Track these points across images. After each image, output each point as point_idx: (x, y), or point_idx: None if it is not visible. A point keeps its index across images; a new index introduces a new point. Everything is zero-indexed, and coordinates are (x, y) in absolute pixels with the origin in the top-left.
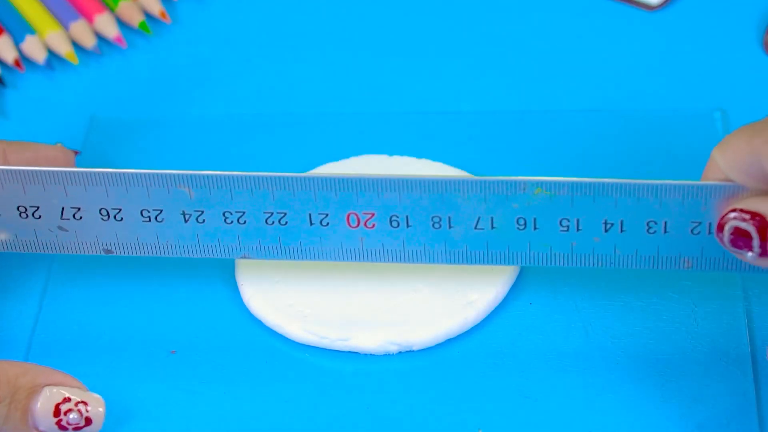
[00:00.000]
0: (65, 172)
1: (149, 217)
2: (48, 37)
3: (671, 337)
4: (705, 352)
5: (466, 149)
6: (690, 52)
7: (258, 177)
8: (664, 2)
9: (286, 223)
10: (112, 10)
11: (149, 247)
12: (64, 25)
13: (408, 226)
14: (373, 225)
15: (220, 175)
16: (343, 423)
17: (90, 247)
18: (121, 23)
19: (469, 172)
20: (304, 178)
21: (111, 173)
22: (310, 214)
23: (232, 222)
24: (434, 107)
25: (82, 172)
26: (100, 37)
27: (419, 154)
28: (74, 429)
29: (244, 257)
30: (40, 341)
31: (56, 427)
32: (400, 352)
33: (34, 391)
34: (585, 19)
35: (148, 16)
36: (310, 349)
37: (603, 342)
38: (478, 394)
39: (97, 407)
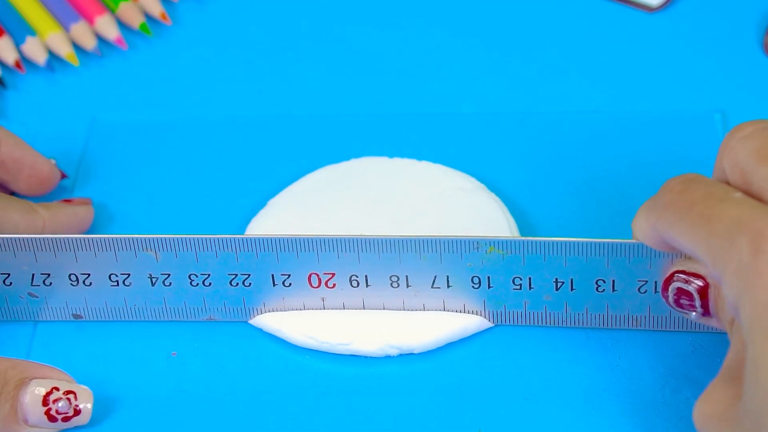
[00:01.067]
0: (35, 238)
1: (117, 281)
2: (48, 38)
3: (671, 339)
4: (705, 355)
5: (467, 151)
6: (690, 53)
7: (222, 239)
8: (664, 3)
9: (250, 284)
10: (112, 12)
11: (117, 312)
12: (65, 27)
13: (367, 285)
14: (334, 285)
15: (185, 238)
16: (344, 425)
17: (59, 313)
18: (122, 25)
19: (469, 173)
20: (267, 239)
21: (79, 239)
22: (273, 275)
23: (197, 284)
24: (435, 109)
25: (51, 239)
26: (101, 39)
27: (420, 156)
28: (63, 419)
29: (210, 319)
30: (40, 341)
31: (45, 417)
32: (400, 355)
33: (22, 383)
34: (585, 21)
35: (148, 17)
36: (310, 352)
37: (604, 344)
38: (478, 396)
39: (86, 400)
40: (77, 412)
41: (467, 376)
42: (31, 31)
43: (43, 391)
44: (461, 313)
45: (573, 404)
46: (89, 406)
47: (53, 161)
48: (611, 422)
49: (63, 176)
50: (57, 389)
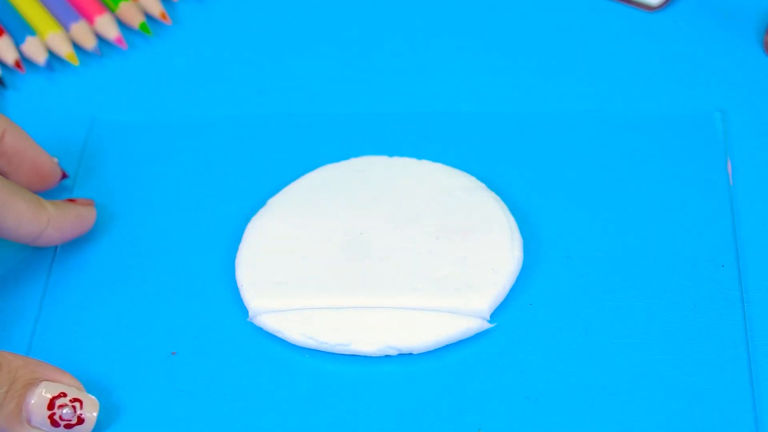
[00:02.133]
0: None
1: None
2: (48, 38)
3: (670, 337)
4: (704, 352)
5: (467, 150)
6: (690, 52)
7: None
8: (664, 3)
9: None
10: (112, 11)
11: None
12: (65, 26)
13: None
14: None
15: None
16: (343, 425)
17: None
18: (122, 24)
19: (469, 173)
20: None
21: None
22: None
23: None
24: (435, 108)
25: None
26: (101, 38)
27: (420, 155)
28: (66, 426)
29: None
30: (40, 341)
31: (48, 421)
32: (400, 355)
33: (31, 383)
34: (585, 20)
35: (148, 17)
36: (310, 352)
37: (603, 343)
38: (478, 397)
39: (91, 410)
40: (80, 421)
41: (467, 376)
42: (31, 31)
43: (50, 395)
44: (462, 316)
45: (573, 405)
46: (94, 415)
47: (56, 159)
48: (610, 423)
49: (64, 176)
50: (64, 395)
